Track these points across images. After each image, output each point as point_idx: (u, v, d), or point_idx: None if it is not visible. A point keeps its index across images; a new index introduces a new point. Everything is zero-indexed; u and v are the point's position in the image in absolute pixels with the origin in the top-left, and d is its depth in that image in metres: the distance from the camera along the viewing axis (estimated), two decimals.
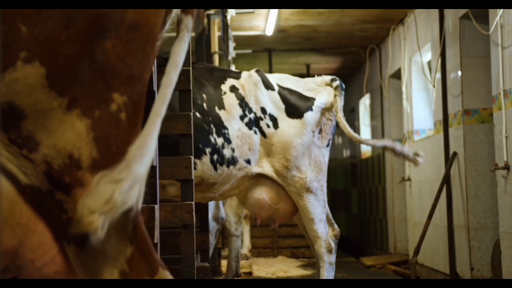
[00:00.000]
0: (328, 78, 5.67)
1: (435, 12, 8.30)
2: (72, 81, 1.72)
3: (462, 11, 7.39)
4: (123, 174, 1.64)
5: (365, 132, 13.81)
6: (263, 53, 12.21)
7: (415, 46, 9.02)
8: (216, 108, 5.18)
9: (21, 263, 1.76)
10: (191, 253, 4.23)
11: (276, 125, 5.32)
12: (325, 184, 5.49)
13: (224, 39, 8.60)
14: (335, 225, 5.70)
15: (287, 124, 5.33)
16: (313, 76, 5.80)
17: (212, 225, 7.21)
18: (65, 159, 1.71)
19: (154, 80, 2.30)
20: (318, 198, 5.39)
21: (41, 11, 1.71)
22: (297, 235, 10.90)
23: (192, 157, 4.36)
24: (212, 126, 5.12)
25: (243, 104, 5.28)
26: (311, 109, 5.44)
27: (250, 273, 8.78)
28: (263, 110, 5.31)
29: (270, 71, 11.83)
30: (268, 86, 5.39)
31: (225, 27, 8.50)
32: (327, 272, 5.40)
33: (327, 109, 5.51)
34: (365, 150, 13.91)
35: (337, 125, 5.64)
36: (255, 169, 5.25)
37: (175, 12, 1.95)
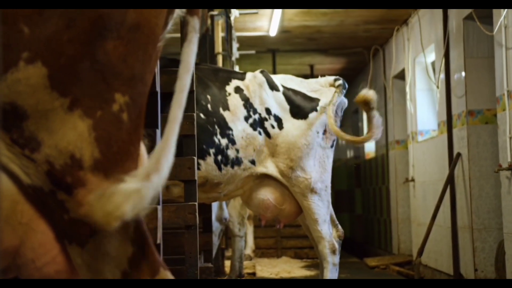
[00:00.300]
0: (331, 78, 5.68)
1: (439, 13, 8.29)
2: (73, 81, 1.72)
3: (466, 12, 7.38)
4: (144, 182, 1.68)
5: None
6: (267, 53, 12.21)
7: (419, 47, 9.01)
8: (221, 109, 5.19)
9: (22, 262, 1.76)
10: (194, 253, 4.23)
11: (280, 126, 5.32)
12: (329, 185, 5.49)
13: (227, 40, 8.60)
14: (339, 226, 5.70)
15: (291, 125, 5.34)
16: (317, 76, 5.80)
17: (216, 226, 7.22)
18: (67, 159, 1.71)
19: (157, 80, 2.31)
20: (322, 198, 5.39)
21: (43, 12, 1.71)
22: (300, 236, 10.90)
23: (195, 158, 4.36)
24: (216, 127, 5.13)
25: (248, 105, 5.28)
26: (316, 110, 5.45)
27: (253, 274, 8.78)
28: (268, 111, 5.32)
29: (274, 71, 11.83)
30: (273, 86, 5.40)
31: (228, 28, 8.50)
32: (331, 273, 5.40)
33: (331, 110, 5.52)
34: (369, 151, 13.90)
35: (341, 125, 5.64)
36: (259, 169, 5.26)
37: (177, 12, 1.95)
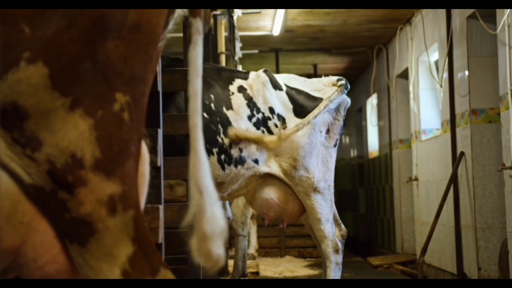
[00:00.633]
0: (334, 78, 5.69)
1: (442, 12, 8.28)
2: (74, 81, 1.73)
3: (469, 11, 7.37)
4: (201, 201, 1.76)
5: (372, 131, 13.80)
6: (270, 53, 12.21)
7: (422, 46, 9.01)
8: (224, 109, 5.20)
9: (23, 261, 1.77)
10: None
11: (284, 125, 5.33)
12: (332, 184, 5.50)
13: (230, 40, 8.61)
14: (342, 225, 5.70)
15: (295, 124, 5.34)
16: (320, 76, 5.80)
17: None
18: (68, 158, 1.72)
19: (159, 80, 2.31)
20: (325, 198, 5.40)
21: (44, 12, 1.72)
22: (304, 235, 10.90)
23: None
24: (219, 126, 5.14)
25: (251, 104, 5.29)
26: None
27: (257, 273, 8.78)
28: (271, 110, 5.32)
29: (277, 71, 11.83)
30: (276, 86, 5.41)
31: (231, 27, 8.50)
32: (334, 272, 5.40)
33: (334, 109, 5.52)
34: (373, 150, 13.90)
35: (344, 125, 5.64)
36: (263, 168, 5.27)
37: (178, 12, 1.95)
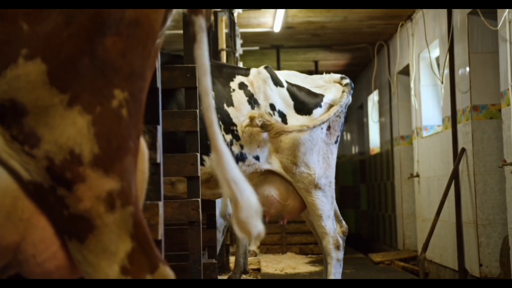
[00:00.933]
0: (337, 76, 5.68)
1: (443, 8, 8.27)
2: (73, 77, 1.73)
3: None
4: (234, 200, 1.86)
5: (374, 128, 13.79)
6: (271, 50, 12.20)
7: (423, 42, 9.00)
8: (225, 105, 5.20)
9: (23, 258, 1.77)
10: (197, 250, 4.24)
11: (285, 122, 5.33)
12: (333, 181, 5.50)
13: (231, 36, 8.60)
14: (343, 222, 5.71)
15: (296, 121, 5.34)
16: (321, 73, 5.80)
17: (220, 222, 7.22)
18: (66, 155, 1.72)
19: (158, 77, 2.31)
20: (326, 194, 5.40)
21: (42, 9, 1.72)
22: (305, 232, 10.90)
23: (198, 154, 4.37)
24: (220, 123, 5.14)
25: (252, 100, 5.29)
26: (320, 106, 5.45)
27: (258, 270, 8.78)
28: (272, 107, 5.32)
29: (278, 68, 11.82)
30: (277, 82, 5.40)
31: (231, 24, 8.50)
32: (335, 269, 5.40)
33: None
34: (374, 147, 13.89)
35: (345, 121, 5.64)
36: (264, 165, 5.27)
37: (177, 9, 1.95)
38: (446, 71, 8.20)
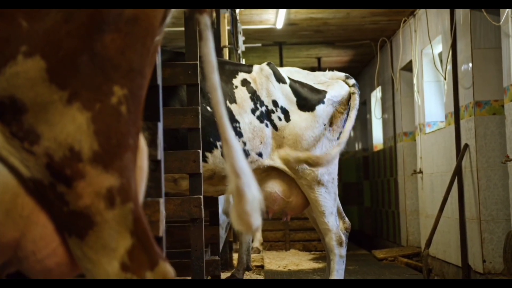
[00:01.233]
0: (341, 74, 5.69)
1: None
2: (72, 74, 1.73)
3: None
4: (237, 192, 1.88)
5: (377, 124, 13.78)
6: (274, 46, 12.19)
7: (426, 38, 8.99)
8: (228, 102, 5.20)
9: (23, 255, 1.78)
10: (200, 246, 4.25)
11: (287, 118, 5.33)
12: (336, 177, 5.50)
13: (233, 33, 8.60)
14: (346, 218, 5.71)
15: (298, 117, 5.34)
16: (324, 69, 5.80)
17: (223, 219, 7.23)
18: (66, 151, 1.73)
19: (159, 74, 2.31)
20: (329, 191, 5.40)
21: None
22: (309, 228, 10.91)
23: (200, 151, 4.37)
24: None
25: (255, 97, 5.29)
26: (323, 102, 5.45)
27: (262, 267, 8.80)
28: (275, 103, 5.32)
29: (281, 64, 11.82)
30: (279, 79, 5.40)
31: (234, 21, 8.49)
32: (338, 265, 5.41)
33: (338, 102, 5.52)
34: (377, 143, 13.89)
35: (348, 117, 5.64)
36: (267, 162, 5.27)
37: None
38: (449, 67, 8.19)
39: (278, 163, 5.31)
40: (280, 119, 5.32)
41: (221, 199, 7.22)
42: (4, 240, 1.75)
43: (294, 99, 5.40)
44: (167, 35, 9.79)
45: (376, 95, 13.27)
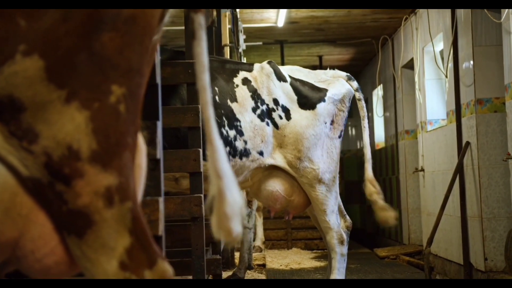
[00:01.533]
0: (342, 74, 5.69)
1: None
2: (70, 73, 1.73)
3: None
4: (218, 193, 1.86)
5: (378, 123, 13.77)
6: (275, 45, 12.18)
7: (427, 36, 8.98)
8: (228, 101, 5.20)
9: (22, 254, 1.78)
10: (200, 245, 4.25)
11: (288, 117, 5.32)
12: (337, 175, 5.50)
13: (234, 32, 8.59)
14: (347, 217, 5.71)
15: (299, 115, 5.34)
16: (326, 68, 5.80)
17: None
18: (64, 150, 1.73)
19: (158, 72, 2.31)
20: (330, 189, 5.40)
21: None
22: (311, 227, 10.91)
23: (201, 150, 4.37)
24: (224, 118, 5.14)
25: (256, 96, 5.29)
26: (324, 100, 5.45)
27: (263, 265, 8.80)
28: (276, 102, 5.32)
29: (282, 63, 11.81)
30: (280, 77, 5.40)
31: (234, 19, 8.49)
32: (339, 264, 5.41)
33: (339, 100, 5.53)
34: (379, 141, 13.88)
35: (350, 116, 5.65)
36: (268, 160, 5.27)
37: None
38: (450, 64, 8.18)
39: (279, 162, 5.31)
40: (281, 117, 5.32)
41: None
42: (3, 239, 1.75)
43: (295, 97, 5.40)
44: (168, 34, 9.79)
45: (377, 93, 13.26)
